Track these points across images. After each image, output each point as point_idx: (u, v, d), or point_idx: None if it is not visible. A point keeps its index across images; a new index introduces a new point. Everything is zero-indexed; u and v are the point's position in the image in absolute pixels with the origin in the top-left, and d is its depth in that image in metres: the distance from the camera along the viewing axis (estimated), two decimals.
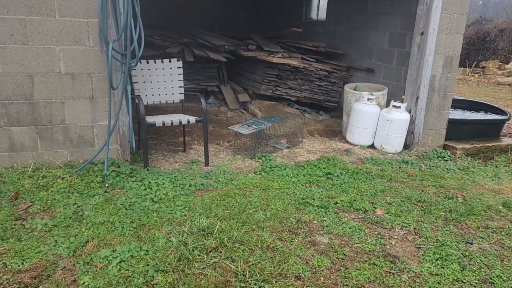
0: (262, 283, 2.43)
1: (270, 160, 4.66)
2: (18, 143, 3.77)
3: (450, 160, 5.17)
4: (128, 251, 2.65)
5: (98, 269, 2.49)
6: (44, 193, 3.41)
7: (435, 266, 2.73)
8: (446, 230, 3.21)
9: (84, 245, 2.74)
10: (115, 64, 3.75)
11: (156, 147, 4.96)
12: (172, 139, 5.32)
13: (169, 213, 3.23)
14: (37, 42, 3.59)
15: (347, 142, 5.62)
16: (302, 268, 2.60)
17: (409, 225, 3.25)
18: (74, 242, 2.75)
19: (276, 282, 2.45)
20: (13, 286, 2.31)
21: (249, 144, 5.16)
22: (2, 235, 2.81)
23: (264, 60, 6.78)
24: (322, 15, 8.17)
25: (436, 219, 3.39)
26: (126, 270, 2.48)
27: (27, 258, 2.57)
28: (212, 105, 7.19)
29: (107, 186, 3.60)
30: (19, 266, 2.49)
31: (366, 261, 2.74)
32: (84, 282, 2.36)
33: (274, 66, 6.81)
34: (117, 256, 2.59)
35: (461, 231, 3.23)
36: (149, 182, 3.68)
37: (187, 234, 2.88)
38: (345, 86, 5.98)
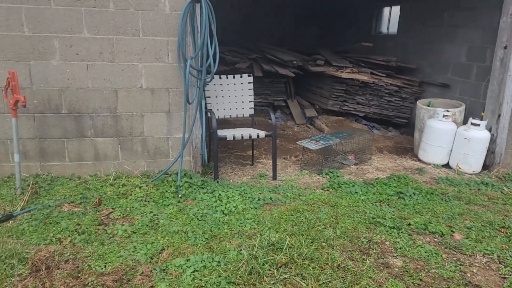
0: None
1: (338, 176, 4.59)
2: (102, 152, 4.05)
3: None
4: (201, 261, 2.73)
5: (173, 277, 2.59)
6: (124, 200, 3.63)
7: None
8: None
9: (160, 253, 2.86)
10: (191, 79, 3.93)
11: (225, 160, 5.09)
12: (240, 153, 5.43)
13: (239, 225, 3.29)
14: (123, 60, 3.87)
15: (419, 160, 5.38)
16: None
17: (492, 253, 3.03)
18: (151, 249, 2.89)
19: None
20: None
21: (316, 159, 5.12)
22: (87, 238, 3.02)
23: (332, 75, 6.73)
24: (393, 28, 7.97)
25: None
26: (200, 280, 2.55)
27: (109, 262, 2.73)
28: (279, 120, 7.25)
29: (180, 197, 3.75)
30: (102, 269, 2.66)
31: None
32: None
33: (342, 81, 6.74)
34: (190, 266, 2.68)
35: None
36: (219, 194, 3.78)
37: (257, 247, 2.91)
38: (417, 102, 5.75)
